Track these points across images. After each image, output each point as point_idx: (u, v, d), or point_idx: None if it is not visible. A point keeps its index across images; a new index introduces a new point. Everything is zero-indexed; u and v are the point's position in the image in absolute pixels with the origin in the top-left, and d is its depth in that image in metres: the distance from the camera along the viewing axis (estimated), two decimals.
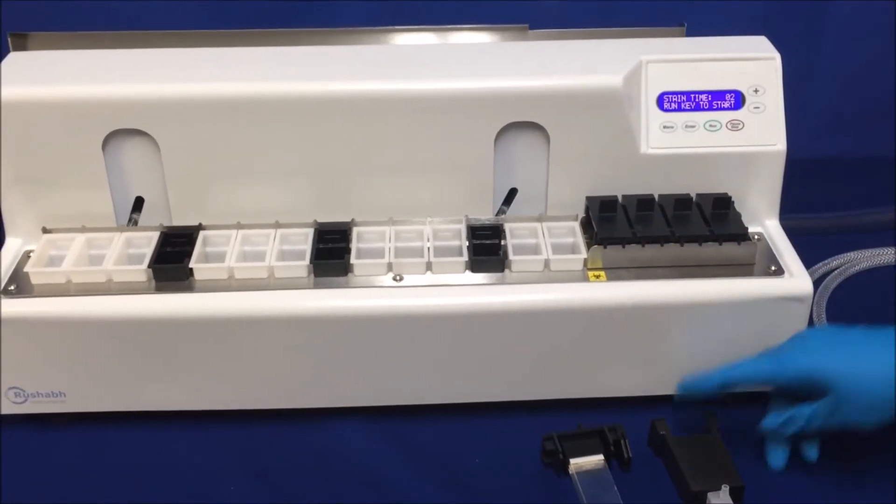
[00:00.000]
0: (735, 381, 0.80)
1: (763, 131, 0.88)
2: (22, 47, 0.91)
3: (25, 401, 0.84)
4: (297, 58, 0.90)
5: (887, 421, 0.75)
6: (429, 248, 0.85)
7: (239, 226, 0.87)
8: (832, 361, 0.76)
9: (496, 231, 0.87)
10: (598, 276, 0.84)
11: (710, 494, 0.77)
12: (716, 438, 0.82)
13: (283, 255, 0.85)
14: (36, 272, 0.83)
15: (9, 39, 0.91)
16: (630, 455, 0.80)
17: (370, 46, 0.94)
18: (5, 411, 0.84)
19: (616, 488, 0.79)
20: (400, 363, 0.83)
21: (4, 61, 0.89)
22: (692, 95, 0.87)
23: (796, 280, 0.84)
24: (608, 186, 0.88)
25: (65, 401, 0.84)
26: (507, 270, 0.84)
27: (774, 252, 0.87)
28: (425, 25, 0.95)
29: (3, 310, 0.80)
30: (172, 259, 0.84)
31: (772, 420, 0.80)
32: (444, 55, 0.92)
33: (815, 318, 0.96)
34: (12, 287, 0.82)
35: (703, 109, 0.87)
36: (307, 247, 0.85)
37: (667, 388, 0.86)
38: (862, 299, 1.00)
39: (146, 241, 0.86)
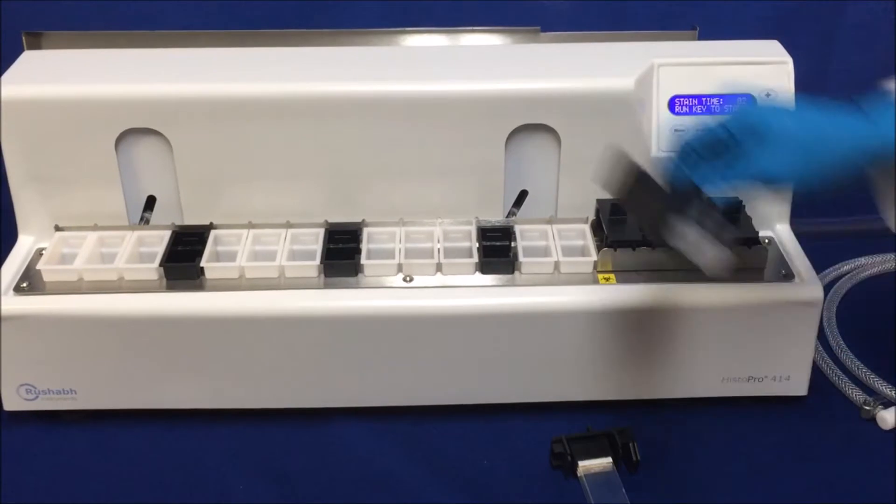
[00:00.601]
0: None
1: None
2: (36, 46, 0.92)
3: (37, 397, 0.84)
4: (309, 59, 0.90)
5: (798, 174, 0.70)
6: (439, 250, 0.85)
7: (250, 225, 0.87)
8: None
9: (506, 233, 0.87)
10: (608, 279, 0.84)
11: None
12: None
13: (293, 255, 0.85)
14: (48, 270, 0.83)
15: (23, 38, 0.91)
16: (639, 458, 0.80)
17: (382, 48, 0.94)
18: (17, 408, 0.85)
19: (624, 491, 0.79)
20: (409, 364, 0.84)
21: (18, 60, 0.89)
22: (704, 99, 0.87)
23: (807, 285, 0.83)
24: None
25: (76, 398, 0.84)
26: (516, 272, 0.84)
27: (785, 257, 0.87)
28: (437, 27, 0.95)
29: (15, 307, 0.81)
30: (184, 258, 0.84)
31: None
32: (455, 57, 0.92)
33: (825, 324, 0.96)
34: (25, 284, 0.83)
35: (715, 113, 0.87)
36: (318, 247, 0.85)
37: (676, 391, 0.86)
38: (872, 304, 1.00)
39: (158, 240, 0.86)
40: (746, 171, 0.70)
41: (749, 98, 0.79)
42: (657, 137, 0.87)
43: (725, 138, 0.71)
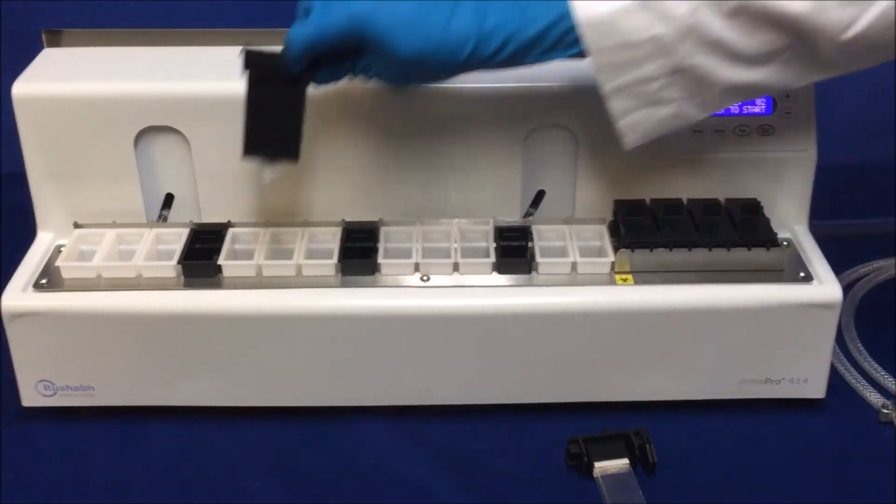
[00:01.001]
0: (295, 45, 0.73)
1: (794, 137, 0.87)
2: (56, 44, 0.92)
3: (54, 394, 0.85)
4: None
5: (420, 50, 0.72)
6: (456, 249, 0.85)
7: (267, 224, 0.88)
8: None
9: (524, 233, 0.87)
10: (625, 280, 0.84)
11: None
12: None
13: (310, 254, 0.86)
14: (67, 266, 0.83)
15: (43, 36, 0.92)
16: (655, 459, 0.80)
17: None
18: (34, 404, 0.85)
19: (641, 492, 0.78)
20: (426, 363, 0.84)
21: (38, 58, 0.90)
22: None
23: (825, 287, 0.83)
24: (637, 190, 0.88)
25: (93, 394, 0.85)
26: (533, 273, 0.84)
27: (803, 258, 0.86)
28: None
29: (34, 303, 0.81)
30: (202, 256, 0.84)
31: (324, 76, 0.77)
32: None
33: (842, 326, 0.95)
34: (44, 281, 0.83)
35: (734, 114, 0.87)
36: (335, 245, 0.85)
37: (693, 393, 0.86)
38: (890, 307, 0.99)
39: (176, 238, 0.86)
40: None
41: None
42: (676, 138, 0.86)
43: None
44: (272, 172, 0.79)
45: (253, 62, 0.75)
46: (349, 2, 0.72)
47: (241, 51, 0.74)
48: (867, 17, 0.70)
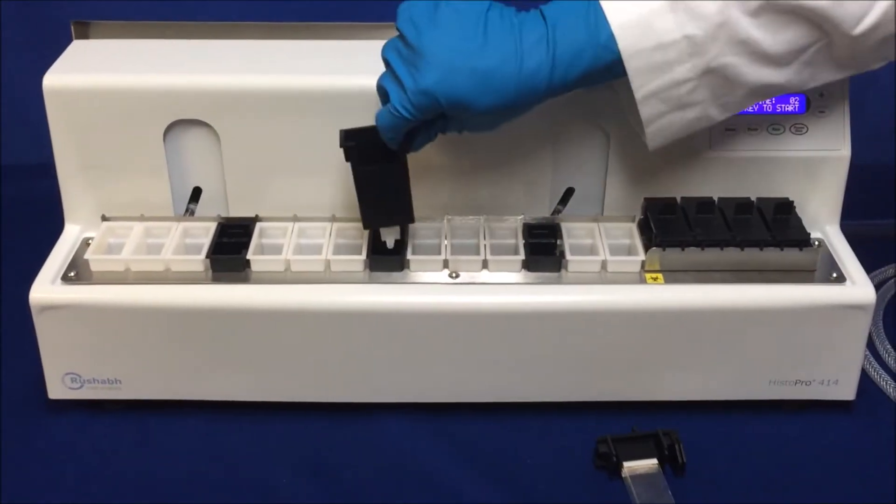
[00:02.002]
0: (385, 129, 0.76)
1: (827, 136, 0.86)
2: (84, 36, 0.92)
3: (81, 386, 0.85)
4: (358, 51, 0.89)
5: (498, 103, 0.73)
6: (485, 246, 0.85)
7: (295, 218, 0.87)
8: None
9: (553, 230, 0.86)
10: (655, 279, 0.83)
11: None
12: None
13: (338, 249, 0.85)
14: (95, 259, 0.83)
15: (72, 28, 0.91)
16: (685, 460, 0.80)
17: None
18: (61, 396, 0.85)
19: (670, 493, 0.78)
20: (454, 360, 0.83)
21: (68, 50, 0.89)
22: None
23: (859, 288, 0.82)
24: (667, 188, 0.87)
25: (120, 388, 0.85)
26: (563, 270, 0.84)
27: (835, 259, 0.86)
28: None
29: (62, 295, 0.81)
30: (230, 250, 0.84)
31: (419, 143, 0.79)
32: None
33: (871, 327, 0.94)
34: (72, 274, 0.83)
35: (767, 112, 0.86)
36: (363, 241, 0.85)
37: (723, 393, 0.85)
38: None
39: (203, 232, 0.86)
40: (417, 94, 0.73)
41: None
42: (708, 136, 0.86)
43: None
44: (391, 233, 0.83)
45: (350, 142, 0.78)
46: (420, 81, 0.72)
47: (340, 132, 0.78)
48: (877, 11, 0.71)
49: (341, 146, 0.78)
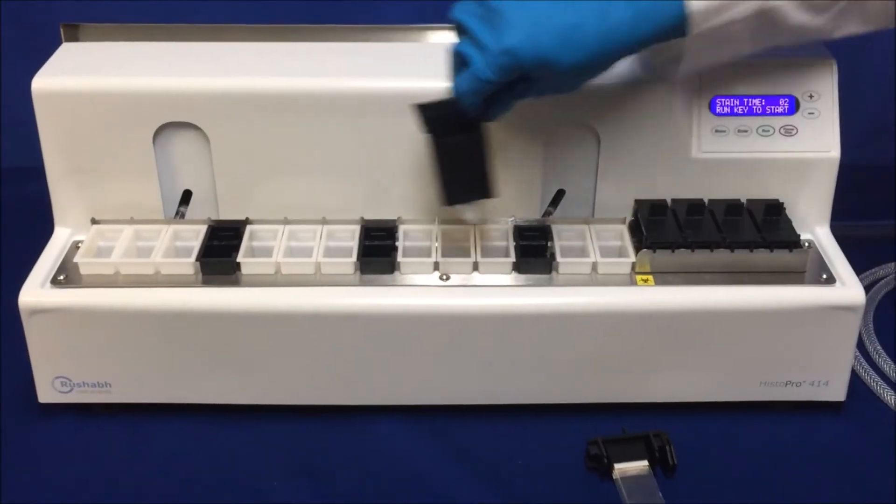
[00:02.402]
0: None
1: (817, 137, 0.87)
2: (74, 38, 0.92)
3: (71, 390, 0.84)
4: (347, 54, 0.90)
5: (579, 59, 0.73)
6: (476, 248, 0.85)
7: (286, 221, 0.87)
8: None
9: (544, 232, 0.86)
10: (646, 281, 0.83)
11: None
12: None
13: (329, 252, 0.85)
14: (85, 263, 0.83)
15: (61, 30, 0.91)
16: (675, 462, 0.80)
17: (420, 44, 0.94)
18: (51, 400, 0.85)
19: (661, 494, 0.78)
20: (445, 363, 0.83)
21: (57, 52, 0.89)
22: (745, 99, 0.86)
23: (849, 289, 0.82)
24: (658, 190, 0.87)
25: (110, 391, 0.84)
26: (553, 272, 0.84)
27: (825, 260, 0.86)
28: None
29: (52, 299, 0.81)
30: (220, 253, 0.84)
31: (496, 111, 0.78)
32: None
33: (861, 329, 0.95)
34: (61, 277, 0.83)
35: (757, 114, 0.86)
36: (353, 244, 0.85)
37: (714, 394, 0.85)
38: None
39: (194, 235, 0.86)
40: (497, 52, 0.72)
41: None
42: (697, 138, 0.86)
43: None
44: (473, 211, 0.81)
45: (429, 115, 0.76)
46: (502, 40, 0.72)
47: (414, 106, 0.76)
48: None
49: (420, 119, 0.76)
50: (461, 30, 0.75)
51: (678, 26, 0.74)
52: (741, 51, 0.78)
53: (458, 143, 0.77)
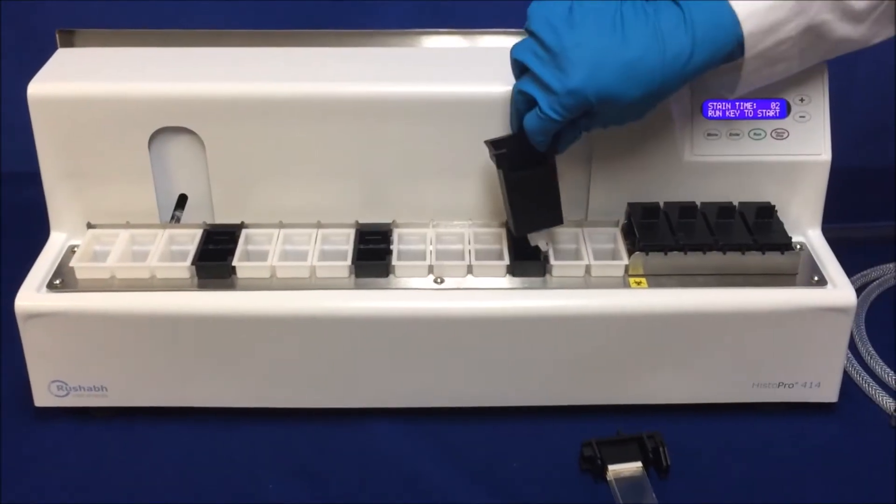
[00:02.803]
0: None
1: (808, 140, 0.87)
2: (69, 44, 0.92)
3: (67, 394, 0.85)
4: (342, 59, 0.90)
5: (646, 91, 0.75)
6: (470, 252, 0.85)
7: (281, 225, 0.88)
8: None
9: None
10: (639, 283, 0.84)
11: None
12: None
13: (324, 255, 0.86)
14: (81, 267, 0.83)
15: (57, 36, 0.92)
16: (669, 463, 0.80)
17: (412, 49, 0.94)
18: (47, 404, 0.85)
19: (654, 495, 0.78)
20: (440, 365, 0.84)
21: (52, 58, 0.90)
22: (737, 103, 0.87)
23: (840, 291, 0.83)
24: (650, 193, 0.88)
25: (106, 395, 0.85)
26: (547, 275, 0.84)
27: (817, 262, 0.87)
28: (466, 29, 0.95)
29: (48, 303, 0.81)
30: (215, 257, 0.84)
31: (564, 144, 0.81)
32: (488, 59, 0.91)
33: (853, 330, 0.95)
34: (57, 281, 0.83)
35: (748, 118, 0.87)
36: (349, 247, 0.85)
37: (707, 396, 0.86)
38: None
39: (189, 239, 0.86)
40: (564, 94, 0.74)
41: None
42: (690, 141, 0.87)
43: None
44: (541, 237, 0.84)
45: (500, 151, 0.79)
46: (567, 81, 0.74)
47: (487, 143, 0.80)
48: None
49: (492, 155, 0.79)
50: (522, 68, 0.78)
51: (734, 51, 0.76)
52: (791, 69, 0.81)
53: (528, 177, 0.80)
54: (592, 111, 0.76)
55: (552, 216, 0.82)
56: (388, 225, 0.88)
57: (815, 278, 0.84)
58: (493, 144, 0.80)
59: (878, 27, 0.79)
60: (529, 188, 0.81)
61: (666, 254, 0.84)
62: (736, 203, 0.88)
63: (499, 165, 0.80)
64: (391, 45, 0.94)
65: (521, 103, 0.79)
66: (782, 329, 0.83)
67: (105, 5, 1.10)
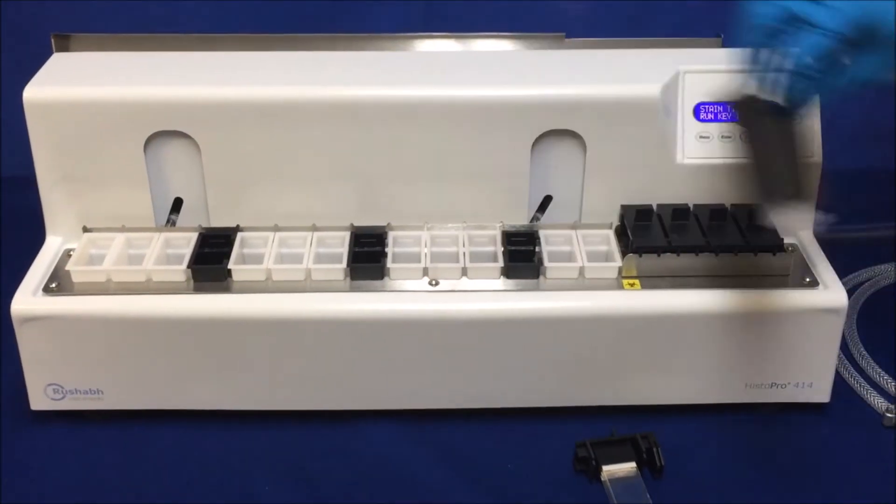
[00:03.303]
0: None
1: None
2: (65, 48, 0.92)
3: (63, 397, 0.85)
4: (336, 62, 0.90)
5: None
6: (464, 254, 0.86)
7: (276, 228, 0.88)
8: None
9: (531, 238, 0.87)
10: (632, 285, 0.84)
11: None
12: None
13: (319, 258, 0.86)
14: (77, 270, 0.84)
15: (52, 40, 0.92)
16: (663, 463, 0.81)
17: (407, 52, 0.95)
18: (43, 407, 0.85)
19: (648, 496, 0.79)
20: (434, 367, 0.84)
21: (48, 62, 0.90)
22: (728, 106, 0.87)
23: (832, 292, 0.84)
24: (643, 195, 0.88)
25: (102, 398, 0.85)
26: (541, 277, 0.85)
27: (809, 263, 0.87)
28: (462, 33, 0.96)
29: (44, 307, 0.82)
30: (211, 260, 0.85)
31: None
32: (482, 63, 0.92)
33: (845, 331, 0.96)
34: (53, 285, 0.83)
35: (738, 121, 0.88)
36: (344, 250, 0.86)
37: (700, 397, 0.86)
38: (892, 312, 1.00)
39: (185, 242, 0.87)
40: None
41: None
42: (682, 144, 0.87)
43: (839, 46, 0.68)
44: (781, 214, 0.75)
45: (744, 106, 0.75)
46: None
47: (734, 104, 0.75)
48: None
49: (737, 104, 0.74)
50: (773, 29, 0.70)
51: None
52: None
53: (773, 130, 0.73)
54: (864, 45, 0.67)
55: (795, 186, 0.73)
56: (383, 227, 0.88)
57: (807, 280, 0.85)
58: (738, 102, 0.74)
59: None
60: (773, 146, 0.73)
61: (659, 255, 0.84)
62: (728, 205, 0.88)
63: (743, 114, 0.74)
64: (385, 48, 0.95)
65: (772, 35, 0.70)
66: (774, 330, 0.83)
67: (100, 9, 1.10)
